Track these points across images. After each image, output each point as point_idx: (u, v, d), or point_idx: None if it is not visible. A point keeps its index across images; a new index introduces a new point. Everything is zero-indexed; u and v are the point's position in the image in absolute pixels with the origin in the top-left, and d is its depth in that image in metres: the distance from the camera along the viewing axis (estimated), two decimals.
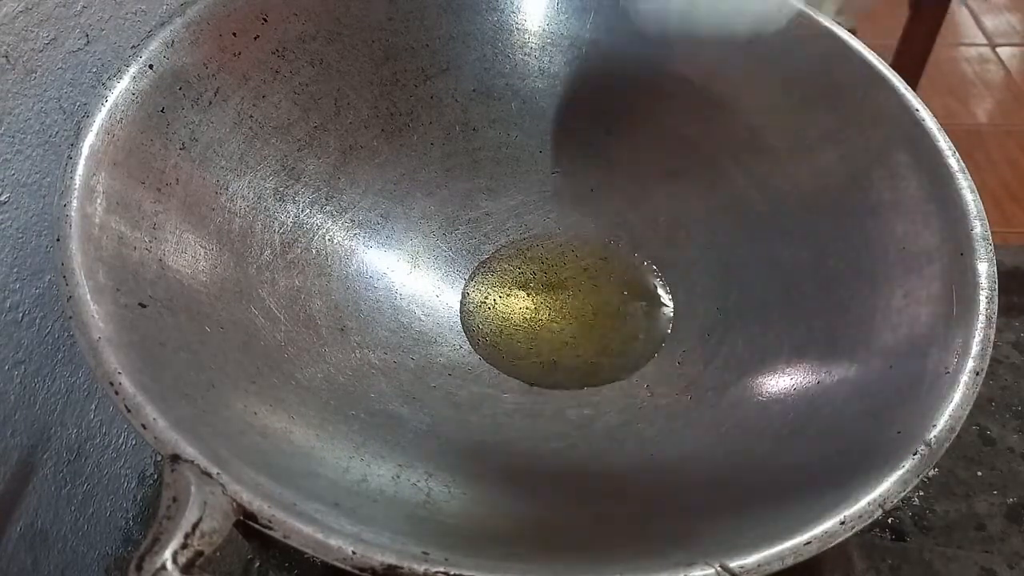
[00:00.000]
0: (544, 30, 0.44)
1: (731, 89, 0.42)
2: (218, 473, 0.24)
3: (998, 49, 1.45)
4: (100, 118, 0.32)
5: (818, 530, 0.25)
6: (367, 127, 0.43)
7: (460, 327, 0.42)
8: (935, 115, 0.36)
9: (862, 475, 0.27)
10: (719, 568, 0.24)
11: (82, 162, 0.31)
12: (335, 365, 0.36)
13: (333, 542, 0.23)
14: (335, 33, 0.41)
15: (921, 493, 0.44)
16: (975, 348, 0.30)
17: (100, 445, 0.44)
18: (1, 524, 0.37)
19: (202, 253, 0.35)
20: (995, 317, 0.31)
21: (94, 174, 0.31)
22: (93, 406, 0.42)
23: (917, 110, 0.36)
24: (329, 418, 0.33)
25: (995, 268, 0.32)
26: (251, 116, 0.38)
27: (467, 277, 0.44)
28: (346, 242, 0.41)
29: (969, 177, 0.34)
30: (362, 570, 0.23)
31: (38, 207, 0.36)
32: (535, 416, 0.38)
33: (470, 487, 0.32)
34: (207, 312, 0.33)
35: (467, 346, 0.41)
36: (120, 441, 0.45)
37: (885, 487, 0.26)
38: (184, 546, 0.22)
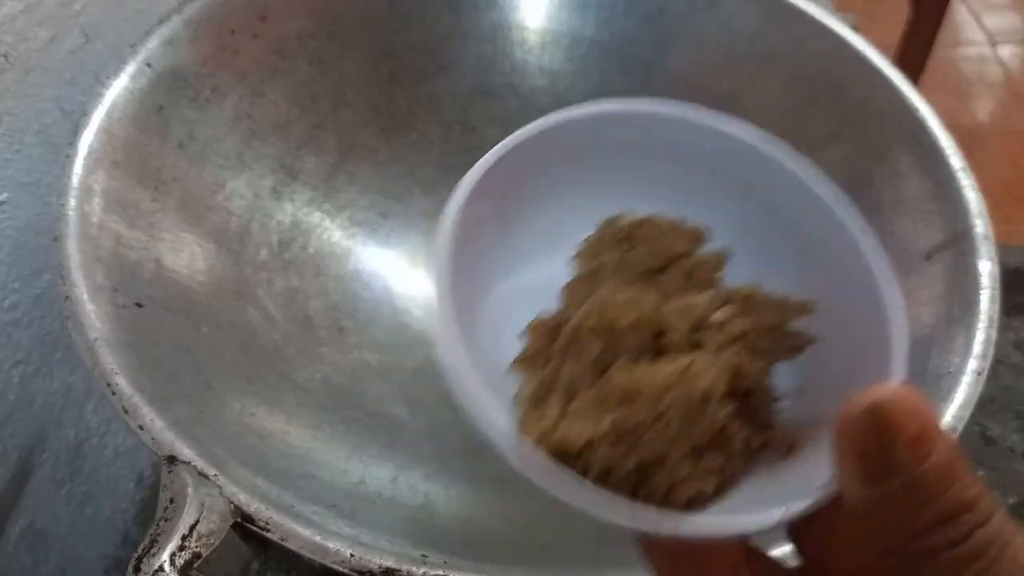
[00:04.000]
0: (544, 28, 0.44)
1: (732, 88, 0.42)
2: (215, 475, 0.24)
3: (998, 48, 1.45)
4: (98, 117, 0.32)
5: None
6: (365, 126, 0.42)
7: None
8: (936, 114, 0.36)
9: None
10: None
11: (80, 161, 0.31)
12: (333, 366, 0.36)
13: (331, 545, 0.23)
14: (334, 32, 0.41)
15: None
16: (977, 348, 0.29)
17: (98, 446, 0.43)
18: (1, 524, 0.37)
19: (199, 253, 0.34)
20: (997, 317, 0.31)
21: (92, 173, 0.31)
22: (91, 407, 0.42)
23: (919, 109, 0.36)
24: (327, 419, 0.33)
25: (997, 268, 0.32)
26: (249, 115, 0.38)
27: None
28: (344, 241, 0.41)
29: (971, 176, 0.34)
30: (360, 573, 0.23)
31: (37, 206, 0.36)
32: None
33: (469, 489, 0.32)
34: (204, 312, 0.33)
35: None
36: (119, 442, 0.45)
37: None
38: (182, 548, 0.22)
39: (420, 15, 0.42)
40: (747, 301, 0.16)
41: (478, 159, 0.17)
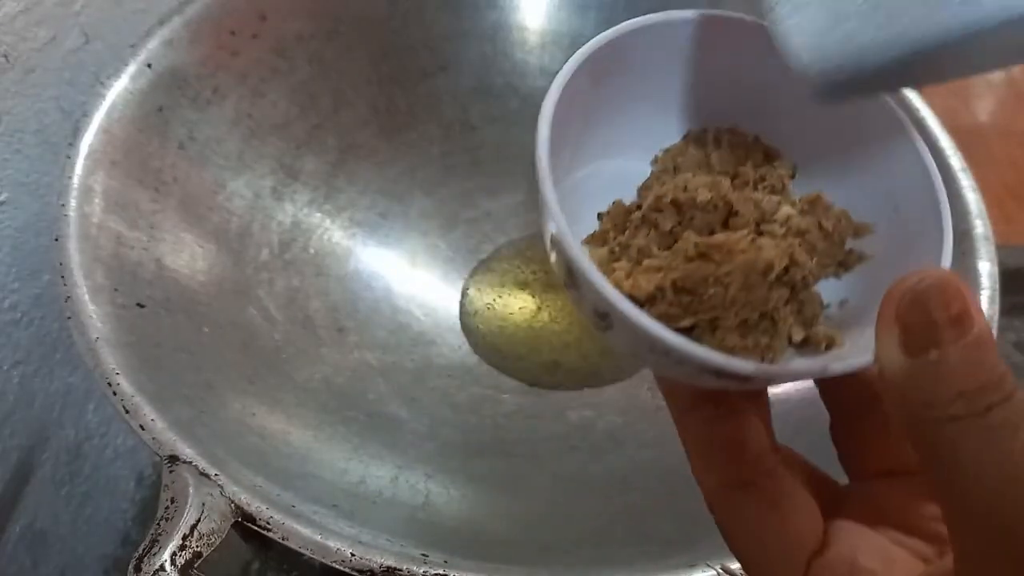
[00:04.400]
0: (544, 28, 0.44)
1: None
2: (216, 474, 0.24)
3: None
4: (98, 117, 0.32)
5: None
6: (366, 126, 0.42)
7: (459, 327, 0.42)
8: (936, 114, 0.36)
9: None
10: (720, 570, 0.24)
11: (80, 162, 0.31)
12: (333, 366, 0.36)
13: (332, 544, 0.23)
14: (334, 31, 0.41)
15: None
16: None
17: (99, 446, 0.43)
18: (1, 524, 0.37)
19: (200, 253, 0.34)
20: (996, 317, 0.31)
21: (92, 174, 0.31)
22: (91, 407, 0.42)
23: (919, 109, 0.36)
24: (327, 419, 0.33)
25: (996, 268, 0.32)
26: (249, 115, 0.38)
27: (466, 277, 0.44)
28: (344, 241, 0.41)
29: (970, 176, 0.34)
30: (361, 572, 0.23)
31: (37, 207, 0.36)
32: (535, 417, 0.38)
33: (470, 489, 0.32)
34: (205, 312, 0.33)
35: (466, 346, 0.41)
36: (119, 442, 0.45)
37: None
38: (182, 547, 0.22)
39: (420, 15, 0.42)
40: (811, 204, 0.18)
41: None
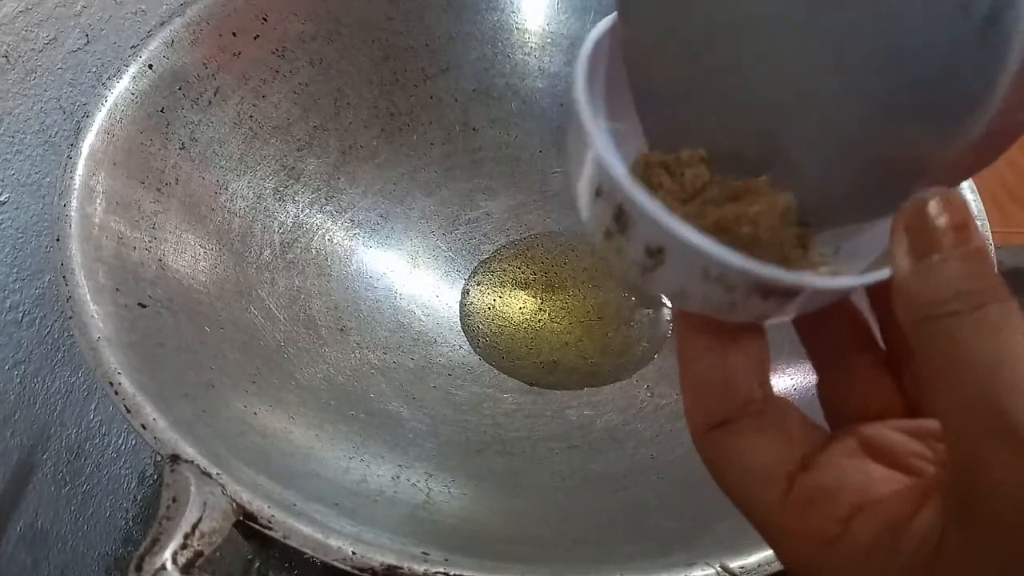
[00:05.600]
0: (544, 30, 0.44)
1: None
2: (218, 473, 0.24)
3: None
4: (100, 118, 0.32)
5: None
6: (367, 127, 0.43)
7: (460, 327, 0.42)
8: None
9: None
10: (719, 568, 0.24)
11: (82, 162, 0.31)
12: (335, 365, 0.36)
13: (333, 542, 0.23)
14: (335, 33, 0.41)
15: None
16: None
17: (100, 445, 0.44)
18: (1, 524, 0.37)
19: (202, 253, 0.35)
20: None
21: (94, 174, 0.31)
22: (93, 406, 0.42)
23: None
24: (329, 418, 0.33)
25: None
26: (251, 116, 0.38)
27: (467, 277, 0.44)
28: (346, 242, 0.41)
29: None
30: (362, 570, 0.23)
31: (38, 207, 0.36)
32: (535, 416, 0.38)
33: (470, 487, 0.32)
34: (207, 312, 0.33)
35: (467, 346, 0.41)
36: (120, 441, 0.45)
37: None
38: (184, 546, 0.22)
39: (421, 17, 0.42)
40: None
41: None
